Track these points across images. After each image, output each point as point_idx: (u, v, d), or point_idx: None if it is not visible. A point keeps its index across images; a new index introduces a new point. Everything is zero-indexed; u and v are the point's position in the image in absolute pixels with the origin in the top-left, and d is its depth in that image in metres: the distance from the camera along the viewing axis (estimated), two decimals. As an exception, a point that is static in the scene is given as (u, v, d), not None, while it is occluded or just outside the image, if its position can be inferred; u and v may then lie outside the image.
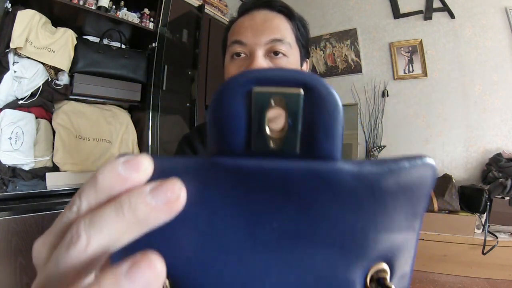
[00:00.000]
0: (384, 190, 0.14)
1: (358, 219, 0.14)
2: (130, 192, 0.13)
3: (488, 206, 1.79)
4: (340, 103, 0.15)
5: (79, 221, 0.13)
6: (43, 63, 1.42)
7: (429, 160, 0.16)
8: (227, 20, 2.34)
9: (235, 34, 0.59)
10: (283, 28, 0.58)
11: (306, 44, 0.65)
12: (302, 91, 0.13)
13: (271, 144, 0.13)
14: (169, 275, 0.14)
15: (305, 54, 0.65)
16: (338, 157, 0.14)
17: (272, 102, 0.13)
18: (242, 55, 0.58)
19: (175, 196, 0.13)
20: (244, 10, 0.62)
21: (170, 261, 0.12)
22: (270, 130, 0.13)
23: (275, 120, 0.15)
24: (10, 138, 1.30)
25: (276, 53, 0.56)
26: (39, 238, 0.14)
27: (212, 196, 0.13)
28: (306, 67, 0.68)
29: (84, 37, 1.67)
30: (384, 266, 0.16)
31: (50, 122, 1.50)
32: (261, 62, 0.55)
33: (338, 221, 0.14)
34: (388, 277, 0.16)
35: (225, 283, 0.14)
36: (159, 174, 0.13)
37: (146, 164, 0.14)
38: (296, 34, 0.61)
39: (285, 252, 0.14)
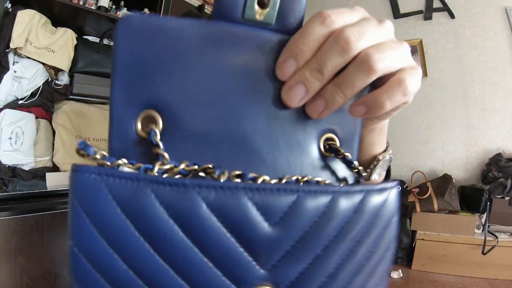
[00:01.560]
0: None
1: None
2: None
3: (488, 206, 1.79)
4: None
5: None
6: (43, 63, 1.42)
7: None
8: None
9: None
10: None
11: None
12: None
13: (257, 17, 0.17)
14: (163, 111, 0.17)
15: None
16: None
17: None
18: None
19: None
20: None
21: (167, 98, 0.17)
22: (259, 5, 0.17)
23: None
24: (10, 138, 1.30)
25: None
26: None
27: (211, 51, 0.17)
28: None
29: (84, 37, 1.67)
30: (333, 135, 0.21)
31: (50, 122, 1.50)
32: None
33: None
34: (338, 144, 0.20)
35: (211, 120, 0.17)
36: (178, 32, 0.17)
37: None
38: None
39: (260, 105, 0.18)
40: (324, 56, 0.17)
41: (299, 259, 0.16)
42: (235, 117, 0.18)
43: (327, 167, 0.21)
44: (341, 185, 0.20)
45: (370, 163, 0.24)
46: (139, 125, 0.17)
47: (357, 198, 0.17)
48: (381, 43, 0.19)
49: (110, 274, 0.14)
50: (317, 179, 0.19)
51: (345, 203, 0.16)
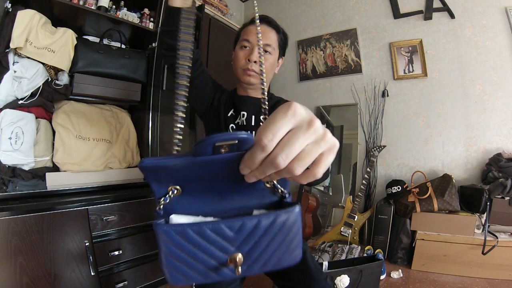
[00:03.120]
0: None
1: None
2: None
3: (488, 206, 1.79)
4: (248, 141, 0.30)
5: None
6: (43, 63, 1.42)
7: None
8: (227, 20, 2.34)
9: (245, 35, 0.94)
10: (272, 38, 0.94)
11: (284, 48, 1.01)
12: (236, 141, 0.29)
13: (222, 151, 0.30)
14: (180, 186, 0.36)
15: (282, 54, 1.01)
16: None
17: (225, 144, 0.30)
18: (247, 47, 0.93)
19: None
20: (252, 21, 0.96)
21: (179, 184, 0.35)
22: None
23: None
24: (10, 138, 1.30)
25: (265, 51, 0.93)
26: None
27: (197, 175, 0.33)
28: (281, 61, 1.02)
29: (84, 37, 1.67)
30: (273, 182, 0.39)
31: (50, 122, 1.50)
32: (256, 54, 0.90)
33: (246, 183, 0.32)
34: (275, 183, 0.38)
35: (202, 208, 0.37)
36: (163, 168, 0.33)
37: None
38: (279, 42, 0.97)
39: (228, 180, 0.35)
40: (265, 169, 0.28)
41: (248, 244, 0.35)
42: (216, 181, 0.35)
43: (268, 196, 0.38)
44: (264, 212, 0.36)
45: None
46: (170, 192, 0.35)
47: (272, 217, 0.34)
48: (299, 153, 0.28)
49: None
50: (254, 212, 0.38)
51: (265, 220, 0.34)
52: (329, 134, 0.28)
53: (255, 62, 0.90)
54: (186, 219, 0.35)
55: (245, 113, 0.94)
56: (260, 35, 0.84)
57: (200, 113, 1.00)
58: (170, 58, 0.81)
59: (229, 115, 0.95)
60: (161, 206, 0.33)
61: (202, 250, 0.34)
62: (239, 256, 0.34)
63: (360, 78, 2.56)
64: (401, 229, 2.00)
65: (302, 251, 0.89)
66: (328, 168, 0.39)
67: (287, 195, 0.36)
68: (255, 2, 0.54)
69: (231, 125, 0.94)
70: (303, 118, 0.27)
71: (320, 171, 0.29)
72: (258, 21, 0.51)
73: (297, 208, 0.35)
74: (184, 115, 0.40)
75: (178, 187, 0.33)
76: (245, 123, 0.93)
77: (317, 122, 0.28)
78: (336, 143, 0.29)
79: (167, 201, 0.33)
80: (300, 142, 0.26)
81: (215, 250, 0.34)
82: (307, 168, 0.29)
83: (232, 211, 0.38)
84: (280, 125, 0.26)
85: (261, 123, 0.45)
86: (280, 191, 0.36)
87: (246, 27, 0.96)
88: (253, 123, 0.93)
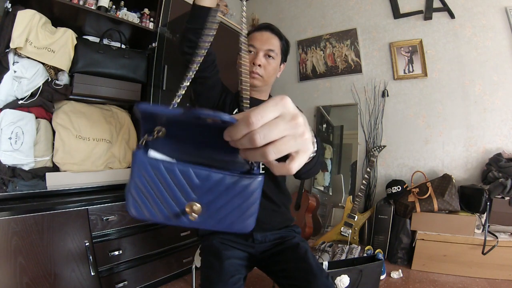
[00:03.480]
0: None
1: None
2: None
3: (488, 206, 1.79)
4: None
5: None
6: (43, 63, 1.42)
7: None
8: (227, 20, 2.34)
9: (250, 40, 1.02)
10: (275, 44, 1.03)
11: (286, 54, 1.09)
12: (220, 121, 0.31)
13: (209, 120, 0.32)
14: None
15: (284, 59, 1.10)
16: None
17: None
18: (252, 52, 1.01)
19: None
20: (257, 28, 1.05)
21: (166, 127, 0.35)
22: None
23: None
24: (10, 138, 1.30)
25: (269, 56, 1.01)
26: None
27: (183, 125, 0.34)
28: (283, 67, 1.10)
29: (84, 37, 1.67)
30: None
31: (50, 122, 1.50)
32: (261, 58, 1.00)
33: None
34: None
35: (179, 154, 0.38)
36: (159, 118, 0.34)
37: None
38: (282, 48, 1.05)
39: (204, 153, 0.37)
40: (243, 142, 0.30)
41: (208, 196, 0.37)
42: (198, 136, 0.35)
43: (240, 164, 0.38)
44: (232, 173, 0.37)
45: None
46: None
47: (235, 178, 0.37)
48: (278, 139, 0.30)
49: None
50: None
51: (229, 179, 0.37)
52: (307, 135, 0.31)
53: (259, 65, 0.98)
54: (161, 156, 0.37)
55: None
56: (259, 41, 1.01)
57: None
58: (192, 56, 0.82)
59: (233, 114, 0.97)
60: (144, 141, 0.36)
61: (167, 189, 0.37)
62: (198, 205, 0.37)
63: (360, 78, 2.56)
64: (401, 229, 2.00)
65: (304, 250, 0.91)
66: (321, 163, 0.42)
67: (255, 168, 0.39)
68: (244, 2, 0.57)
69: None
70: (289, 111, 0.30)
71: (294, 167, 0.31)
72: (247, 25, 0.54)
73: (259, 178, 0.37)
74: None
75: (163, 129, 0.35)
76: None
77: (301, 118, 0.30)
78: (310, 148, 0.32)
79: (150, 138, 0.35)
80: (279, 128, 0.29)
81: (178, 193, 0.37)
82: (283, 161, 0.32)
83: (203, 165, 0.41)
84: (270, 110, 0.29)
85: None
86: (249, 162, 0.38)
87: (252, 34, 1.05)
88: None
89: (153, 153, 0.37)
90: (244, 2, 0.55)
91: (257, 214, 0.40)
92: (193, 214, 0.37)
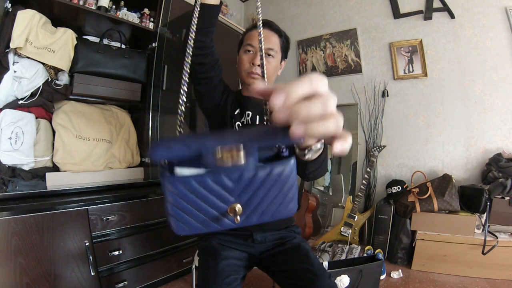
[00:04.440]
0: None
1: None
2: None
3: (488, 206, 1.79)
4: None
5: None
6: (43, 63, 1.42)
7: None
8: (227, 20, 2.34)
9: (249, 39, 0.99)
10: (275, 42, 0.99)
11: (286, 51, 1.06)
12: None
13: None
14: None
15: (284, 56, 1.06)
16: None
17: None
18: (251, 52, 0.99)
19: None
20: (255, 26, 1.00)
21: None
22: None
23: None
24: (10, 138, 1.30)
25: (268, 54, 0.98)
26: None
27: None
28: (283, 64, 1.07)
29: (84, 37, 1.67)
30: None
31: (50, 122, 1.50)
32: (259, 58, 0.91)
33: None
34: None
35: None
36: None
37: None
38: (281, 45, 1.02)
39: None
40: (294, 109, 0.27)
41: (246, 194, 0.37)
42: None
43: (264, 152, 0.38)
44: (260, 164, 0.36)
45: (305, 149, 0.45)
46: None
47: (268, 169, 0.36)
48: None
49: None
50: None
51: (262, 172, 0.35)
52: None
53: (258, 65, 0.95)
54: (189, 171, 0.36)
55: (250, 113, 0.98)
56: (258, 39, 0.92)
57: (208, 112, 1.03)
58: (200, 57, 0.83)
59: (235, 113, 0.99)
60: (166, 160, 0.36)
61: (204, 200, 0.36)
62: (238, 206, 0.37)
63: (360, 78, 2.56)
64: (401, 229, 2.00)
65: (305, 250, 0.91)
66: (326, 166, 0.43)
67: (284, 150, 0.38)
68: (258, 3, 0.55)
69: (238, 123, 0.98)
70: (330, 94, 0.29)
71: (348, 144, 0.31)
72: (261, 24, 0.53)
73: (292, 161, 0.37)
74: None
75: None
76: (250, 122, 0.98)
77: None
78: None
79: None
80: (325, 107, 0.27)
81: (216, 200, 0.37)
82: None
83: None
84: (325, 84, 0.28)
85: (264, 123, 0.50)
86: (277, 145, 0.38)
87: (250, 32, 1.01)
88: (257, 122, 0.97)
89: (179, 170, 0.36)
90: (258, 3, 0.56)
91: (297, 195, 0.40)
92: (236, 216, 0.37)
